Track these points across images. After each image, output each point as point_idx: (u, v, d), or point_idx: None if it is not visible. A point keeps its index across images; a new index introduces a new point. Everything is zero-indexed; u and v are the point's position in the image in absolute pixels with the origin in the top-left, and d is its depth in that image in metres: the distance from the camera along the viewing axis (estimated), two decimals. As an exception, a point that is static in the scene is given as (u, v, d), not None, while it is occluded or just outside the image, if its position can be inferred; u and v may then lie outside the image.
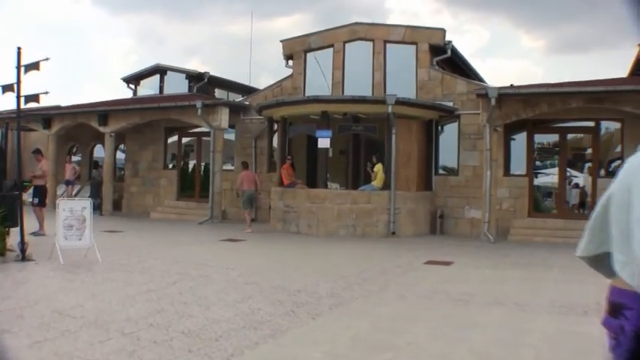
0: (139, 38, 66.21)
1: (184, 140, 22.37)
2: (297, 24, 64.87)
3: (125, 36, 69.17)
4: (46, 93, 9.69)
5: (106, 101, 23.45)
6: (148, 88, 24.45)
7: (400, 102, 15.30)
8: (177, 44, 65.77)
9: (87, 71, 68.94)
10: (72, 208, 9.62)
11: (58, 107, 23.32)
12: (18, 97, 9.27)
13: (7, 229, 9.29)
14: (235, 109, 19.43)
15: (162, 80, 23.79)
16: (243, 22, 69.55)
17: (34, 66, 9.30)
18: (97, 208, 20.27)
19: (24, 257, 9.07)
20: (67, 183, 21.54)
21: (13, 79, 9.17)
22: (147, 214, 20.40)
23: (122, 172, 23.43)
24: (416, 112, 16.23)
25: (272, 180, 18.72)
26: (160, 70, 23.83)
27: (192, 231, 15.94)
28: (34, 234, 12.25)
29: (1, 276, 7.96)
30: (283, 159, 17.23)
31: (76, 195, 22.07)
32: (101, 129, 20.90)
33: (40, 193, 13.24)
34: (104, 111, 21.08)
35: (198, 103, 18.01)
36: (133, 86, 24.99)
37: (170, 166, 22.20)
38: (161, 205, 20.79)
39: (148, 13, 65.73)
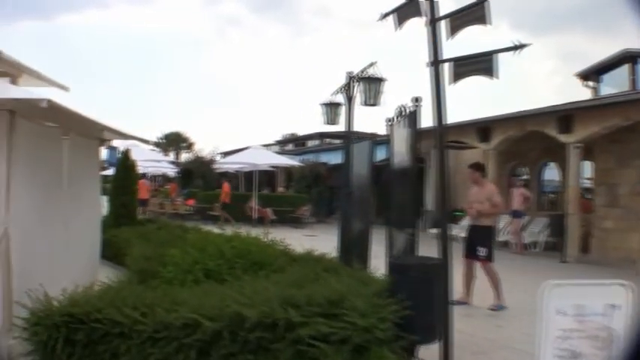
0: (562, 58, 62.49)
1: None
2: None
3: (547, 57, 66.21)
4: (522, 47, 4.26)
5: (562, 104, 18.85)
6: (610, 85, 21.15)
7: None
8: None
9: (511, 96, 67.98)
10: (579, 307, 4.06)
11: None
12: (435, 63, 4.43)
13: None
14: None
15: (633, 72, 19.96)
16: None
17: None
18: (554, 248, 16.87)
19: None
20: (514, 214, 17.68)
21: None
22: (630, 263, 14.39)
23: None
24: None
25: None
26: (630, 58, 19.81)
27: None
28: (494, 309, 8.34)
29: None
30: None
31: (521, 230, 18.03)
32: (562, 138, 16.47)
33: (488, 238, 8.85)
34: (569, 110, 16.45)
35: None
36: (591, 83, 21.75)
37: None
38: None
39: (568, 32, 62.13)
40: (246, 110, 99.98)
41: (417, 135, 5.15)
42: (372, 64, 6.29)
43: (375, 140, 7.16)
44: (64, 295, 4.60)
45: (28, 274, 5.25)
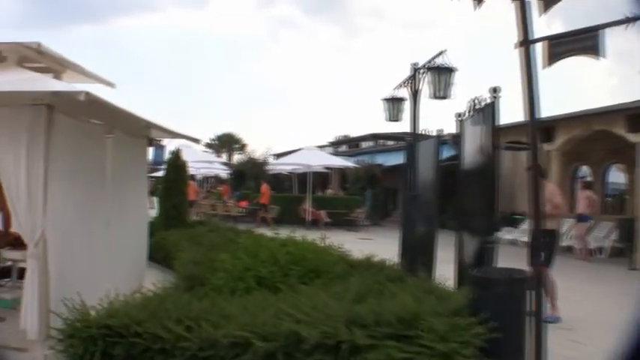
0: (616, 59, 59.96)
1: None
2: None
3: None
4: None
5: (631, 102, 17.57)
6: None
7: None
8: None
9: (565, 98, 65.70)
10: None
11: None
12: (525, 43, 3.79)
13: None
14: None
15: None
16: None
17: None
18: (620, 254, 15.65)
19: None
20: (580, 219, 16.42)
21: None
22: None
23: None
24: None
25: None
26: None
27: None
28: (546, 321, 7.31)
29: None
30: None
31: (586, 235, 16.86)
32: (630, 137, 15.34)
33: (550, 242, 7.88)
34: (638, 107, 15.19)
35: None
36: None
37: None
38: None
39: (621, 31, 60.20)
40: (299, 112, 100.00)
41: (496, 130, 4.48)
42: (441, 53, 5.65)
43: (440, 138, 6.51)
44: (103, 304, 4.15)
45: (67, 278, 4.86)
